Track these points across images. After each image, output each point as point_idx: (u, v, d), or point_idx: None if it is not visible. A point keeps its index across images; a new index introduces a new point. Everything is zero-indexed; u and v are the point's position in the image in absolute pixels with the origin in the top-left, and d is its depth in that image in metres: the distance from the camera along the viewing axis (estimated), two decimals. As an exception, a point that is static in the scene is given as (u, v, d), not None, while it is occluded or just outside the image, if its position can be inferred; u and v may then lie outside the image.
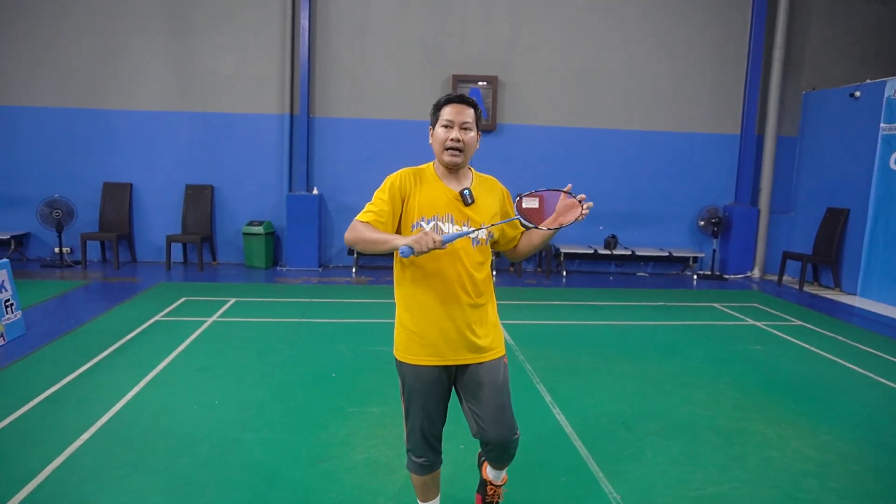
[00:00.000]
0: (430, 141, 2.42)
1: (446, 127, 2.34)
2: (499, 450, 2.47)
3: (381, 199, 2.36)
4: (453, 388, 2.49)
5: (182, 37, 8.98)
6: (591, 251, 9.39)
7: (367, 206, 2.39)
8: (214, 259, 9.45)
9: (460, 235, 2.23)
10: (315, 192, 9.16)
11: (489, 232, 2.40)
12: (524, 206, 2.39)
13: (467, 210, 2.36)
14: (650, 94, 9.60)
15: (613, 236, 9.54)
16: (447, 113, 2.34)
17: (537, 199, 2.40)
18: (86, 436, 3.56)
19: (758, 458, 3.56)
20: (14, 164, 8.98)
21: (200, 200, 9.19)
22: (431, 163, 2.45)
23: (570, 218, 2.35)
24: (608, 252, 9.41)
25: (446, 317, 2.34)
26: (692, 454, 3.59)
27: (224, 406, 4.06)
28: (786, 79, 9.64)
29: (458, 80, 9.13)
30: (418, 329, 2.38)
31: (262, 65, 9.12)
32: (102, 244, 9.20)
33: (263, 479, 3.17)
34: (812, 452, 3.66)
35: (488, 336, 2.43)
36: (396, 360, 2.48)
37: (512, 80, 9.37)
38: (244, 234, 9.10)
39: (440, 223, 2.32)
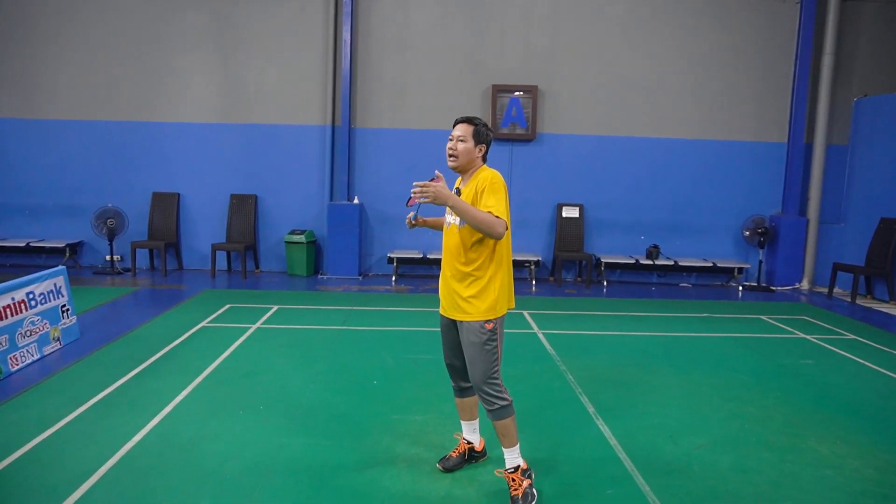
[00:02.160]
0: None
1: (449, 139, 3.07)
2: (475, 389, 3.10)
3: None
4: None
5: (228, 51, 9.25)
6: (633, 261, 9.26)
7: None
8: (257, 267, 9.64)
9: (411, 209, 3.12)
10: (356, 201, 9.28)
11: (462, 218, 2.92)
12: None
13: (414, 201, 2.98)
14: (693, 102, 9.45)
15: (655, 246, 9.38)
16: (454, 130, 3.08)
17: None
18: (137, 437, 3.66)
19: (812, 476, 3.44)
20: (68, 175, 9.36)
21: (244, 210, 9.41)
22: None
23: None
24: (650, 262, 9.26)
25: (442, 280, 3.19)
26: (742, 469, 3.49)
27: (269, 411, 4.13)
28: (835, 85, 9.36)
29: (498, 90, 9.15)
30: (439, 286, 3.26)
31: (305, 77, 9.32)
32: (151, 252, 9.49)
33: (309, 484, 3.20)
34: (871, 472, 3.51)
35: (461, 302, 3.03)
36: None
37: (552, 90, 9.35)
38: (286, 242, 9.27)
39: (447, 214, 3.14)
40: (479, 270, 3.01)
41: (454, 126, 3.10)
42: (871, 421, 4.26)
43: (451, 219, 3.08)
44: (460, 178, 3.14)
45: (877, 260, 8.50)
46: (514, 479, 3.06)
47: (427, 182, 2.75)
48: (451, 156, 3.04)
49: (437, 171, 2.88)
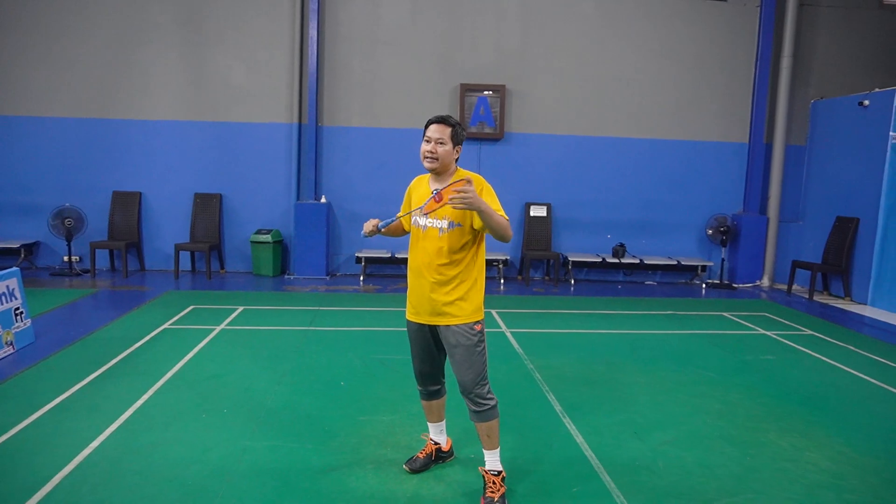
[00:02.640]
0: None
1: (426, 141, 2.98)
2: (466, 394, 3.05)
3: (403, 202, 3.26)
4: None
5: (192, 47, 9.05)
6: (600, 260, 9.36)
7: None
8: (223, 267, 9.47)
9: (389, 222, 3.06)
10: (323, 200, 9.18)
11: (451, 222, 2.93)
12: (441, 196, 2.93)
13: (437, 205, 2.95)
14: (658, 103, 9.60)
15: (622, 245, 9.51)
16: (429, 131, 2.98)
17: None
18: (95, 443, 3.56)
19: (772, 469, 3.52)
20: (24, 173, 9.04)
21: (209, 209, 9.23)
22: None
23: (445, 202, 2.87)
24: (616, 261, 9.38)
25: (418, 286, 3.06)
26: (706, 465, 3.55)
27: (233, 414, 4.05)
28: (794, 87, 9.62)
29: (466, 89, 9.16)
30: (407, 294, 3.17)
31: (271, 74, 9.18)
32: (111, 253, 9.24)
33: (274, 487, 3.15)
34: (827, 464, 3.61)
35: (446, 306, 2.98)
36: None
37: (520, 90, 9.39)
38: (252, 242, 9.12)
39: (417, 217, 3.05)
40: (464, 273, 2.99)
41: (428, 126, 2.98)
42: (828, 414, 4.39)
43: (425, 221, 2.99)
44: (429, 179, 3.09)
45: (833, 257, 8.76)
46: (493, 482, 3.05)
47: (467, 187, 2.68)
48: (430, 158, 2.95)
49: (468, 176, 2.84)
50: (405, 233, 3.26)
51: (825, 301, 8.60)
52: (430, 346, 3.14)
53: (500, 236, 2.84)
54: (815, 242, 9.28)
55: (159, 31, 8.99)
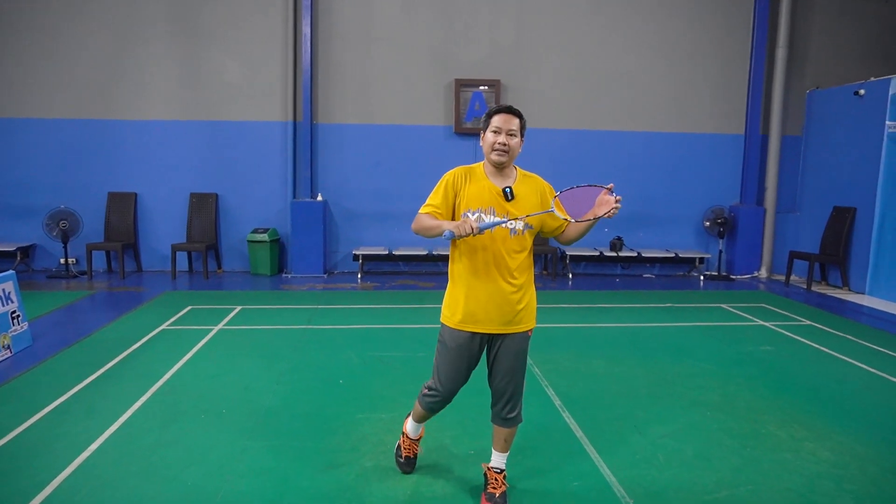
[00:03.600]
0: (481, 143, 2.88)
1: (495, 132, 2.78)
2: (504, 402, 2.92)
3: (437, 193, 2.84)
4: (483, 355, 2.95)
5: (185, 46, 9.01)
6: (597, 253, 9.36)
7: (427, 201, 2.86)
8: (220, 267, 9.45)
9: (494, 224, 2.66)
10: (319, 198, 9.16)
11: (526, 224, 2.77)
12: (561, 200, 2.78)
13: (507, 205, 2.78)
14: (654, 96, 9.58)
15: (619, 238, 9.51)
16: (496, 121, 2.78)
17: (572, 194, 2.80)
18: (94, 446, 3.55)
19: (771, 461, 3.52)
20: (19, 175, 9.00)
21: (205, 209, 9.20)
22: (482, 162, 2.91)
23: (601, 211, 2.73)
24: (614, 254, 9.38)
25: (485, 293, 2.77)
26: (705, 457, 3.55)
27: (232, 414, 4.04)
28: (789, 77, 9.61)
29: (461, 84, 9.13)
30: (461, 301, 2.82)
31: (266, 73, 9.14)
32: (108, 254, 9.21)
33: (273, 486, 3.15)
34: (827, 454, 3.62)
35: (519, 314, 2.82)
36: (441, 321, 2.94)
37: (515, 84, 9.37)
38: (249, 241, 9.10)
39: (483, 214, 2.75)
40: (528, 278, 2.88)
41: (494, 115, 2.77)
42: (827, 404, 4.39)
43: (514, 224, 2.76)
44: (485, 174, 2.83)
45: (830, 247, 8.77)
46: (496, 479, 3.03)
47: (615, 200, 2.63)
48: (501, 151, 2.75)
49: (610, 184, 2.75)
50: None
51: (823, 291, 8.60)
52: (474, 359, 2.91)
53: (579, 239, 2.88)
54: (812, 233, 9.29)
55: (153, 31, 8.95)
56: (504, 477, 3.06)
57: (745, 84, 9.64)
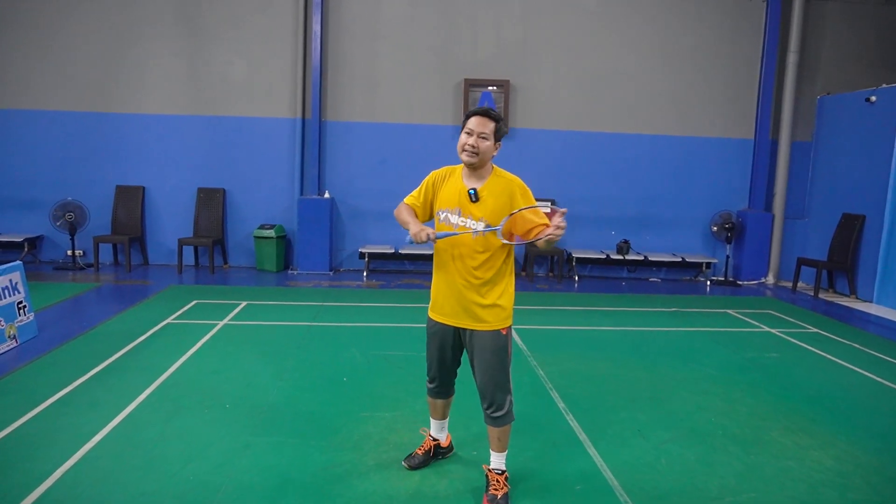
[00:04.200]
0: (458, 144, 2.91)
1: (468, 134, 2.86)
2: (487, 401, 2.98)
3: (419, 190, 3.08)
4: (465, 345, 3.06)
5: (195, 41, 9.04)
6: (604, 256, 9.33)
7: (412, 192, 3.11)
8: (226, 262, 9.47)
9: (447, 235, 2.84)
10: (326, 195, 9.17)
11: (487, 225, 2.82)
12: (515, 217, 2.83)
13: (471, 206, 2.87)
14: (663, 99, 9.55)
15: (626, 241, 9.47)
16: (471, 123, 2.86)
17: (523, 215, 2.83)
18: (97, 438, 3.56)
19: (775, 468, 3.50)
20: (28, 167, 9.05)
21: (212, 204, 9.22)
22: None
23: (540, 233, 2.75)
24: (620, 257, 9.35)
25: (447, 287, 2.96)
26: (708, 462, 3.53)
27: (235, 410, 4.04)
28: (800, 83, 9.55)
29: (470, 84, 9.12)
30: (433, 292, 3.07)
31: (274, 69, 9.16)
32: (115, 247, 9.25)
33: (275, 483, 3.15)
34: (831, 462, 3.59)
35: (484, 311, 2.90)
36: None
37: (524, 85, 9.35)
38: (255, 237, 9.12)
39: (449, 214, 2.91)
40: (497, 276, 2.90)
41: (469, 118, 2.86)
42: (832, 412, 4.36)
43: (458, 220, 2.87)
44: (461, 175, 2.94)
45: (838, 255, 8.71)
46: (497, 481, 3.04)
47: (563, 222, 2.62)
48: (470, 153, 2.82)
49: (563, 209, 2.69)
50: (426, 221, 3.08)
51: (830, 299, 8.55)
52: (449, 347, 3.05)
53: (551, 248, 2.83)
54: (820, 239, 9.23)
55: (162, 25, 8.98)
56: (506, 479, 3.06)
57: (755, 89, 9.58)
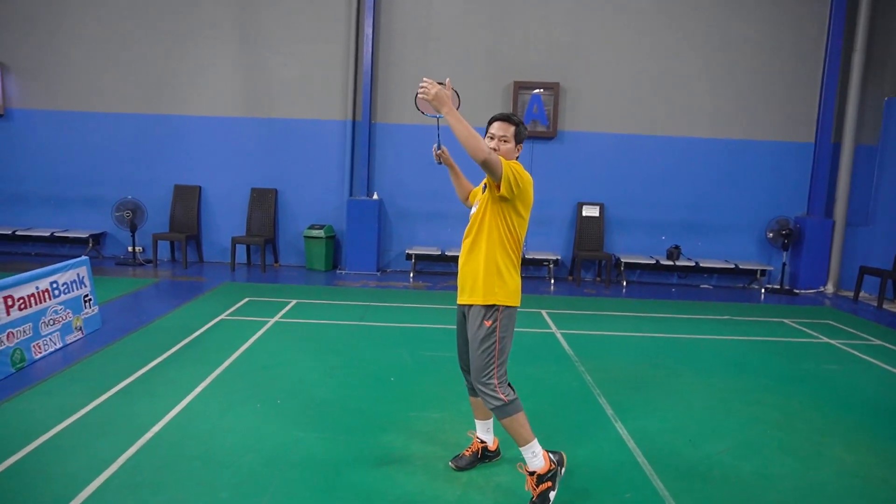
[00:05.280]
0: None
1: (489, 138, 3.08)
2: (475, 380, 3.02)
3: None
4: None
5: (250, 45, 9.29)
6: (653, 262, 9.15)
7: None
8: (277, 261, 9.69)
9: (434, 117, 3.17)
10: (375, 197, 9.28)
11: (478, 201, 3.10)
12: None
13: (481, 196, 3.13)
14: (716, 100, 9.30)
15: (676, 247, 9.26)
16: (493, 128, 3.09)
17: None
18: (157, 428, 3.69)
19: (837, 486, 3.36)
20: (93, 166, 9.48)
21: (264, 204, 9.46)
22: None
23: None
24: (671, 263, 9.14)
25: (460, 267, 3.15)
26: (765, 476, 3.42)
27: (287, 405, 4.14)
28: (866, 83, 9.14)
29: (520, 86, 9.09)
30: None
31: (327, 72, 9.33)
32: (172, 244, 9.58)
33: (325, 478, 3.20)
34: (897, 481, 3.43)
35: (471, 285, 3.02)
36: None
37: (573, 87, 9.26)
38: (305, 237, 9.30)
39: (473, 208, 3.19)
40: (482, 253, 3.01)
41: (491, 123, 3.06)
42: (899, 429, 4.16)
43: (473, 210, 3.14)
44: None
45: (905, 264, 8.30)
46: (528, 482, 3.02)
47: (432, 81, 2.76)
48: None
49: (448, 79, 2.91)
50: (467, 189, 3.45)
51: None
52: (462, 330, 3.15)
53: (471, 151, 2.75)
54: (886, 247, 8.81)
55: (217, 29, 9.27)
56: (536, 479, 2.98)
57: (816, 90, 9.23)
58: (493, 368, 2.97)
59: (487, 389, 2.97)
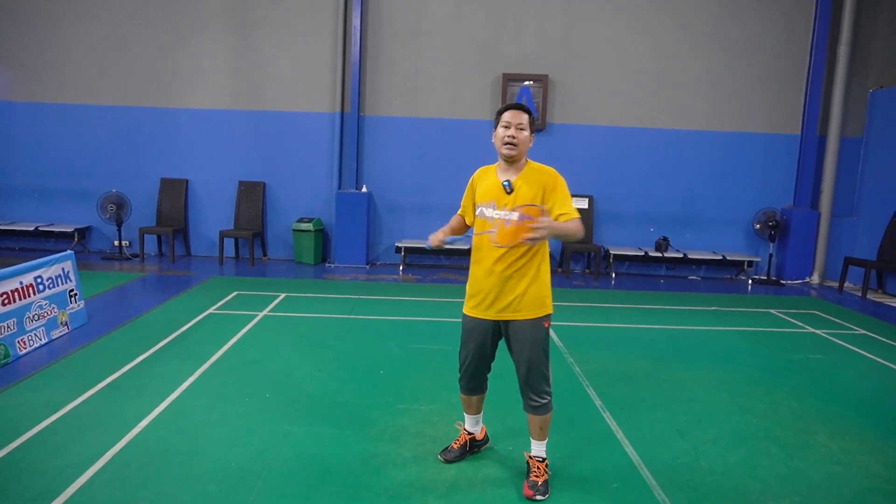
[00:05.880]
0: (493, 140, 3.00)
1: (505, 127, 2.92)
2: (525, 390, 3.06)
3: (465, 195, 3.20)
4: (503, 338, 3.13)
5: (238, 37, 9.21)
6: (642, 253, 9.20)
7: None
8: (265, 254, 9.65)
9: (455, 240, 3.08)
10: (364, 189, 9.25)
11: (522, 214, 2.81)
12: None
13: (506, 197, 2.92)
14: (705, 93, 9.34)
15: (665, 238, 9.32)
16: (507, 116, 2.93)
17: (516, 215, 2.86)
18: (144, 423, 3.67)
19: (821, 473, 3.41)
20: (78, 159, 9.38)
21: (252, 197, 9.40)
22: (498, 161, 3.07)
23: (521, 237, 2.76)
24: (659, 255, 9.20)
25: (484, 279, 2.99)
26: (750, 465, 3.46)
27: (275, 399, 4.13)
28: (851, 76, 9.22)
29: (508, 79, 9.07)
30: (469, 287, 3.10)
31: (315, 64, 9.26)
32: (159, 238, 9.51)
33: (314, 472, 3.20)
34: (880, 469, 3.48)
35: (518, 301, 2.95)
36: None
37: (563, 80, 9.26)
38: (294, 230, 9.26)
39: (484, 208, 2.99)
40: (527, 267, 2.95)
41: (504, 112, 2.93)
42: (882, 417, 4.22)
43: (492, 213, 2.92)
44: (496, 171, 3.02)
45: (889, 254, 8.40)
46: (538, 468, 3.10)
47: (540, 222, 2.62)
48: (511, 144, 2.88)
49: (539, 207, 2.75)
50: (468, 227, 3.22)
51: (879, 300, 8.26)
52: (487, 342, 3.09)
53: (573, 240, 2.88)
54: (869, 238, 8.92)
55: (205, 21, 9.18)
56: (546, 466, 3.13)
57: (802, 83, 9.29)
58: (549, 371, 3.08)
59: (546, 395, 3.05)
